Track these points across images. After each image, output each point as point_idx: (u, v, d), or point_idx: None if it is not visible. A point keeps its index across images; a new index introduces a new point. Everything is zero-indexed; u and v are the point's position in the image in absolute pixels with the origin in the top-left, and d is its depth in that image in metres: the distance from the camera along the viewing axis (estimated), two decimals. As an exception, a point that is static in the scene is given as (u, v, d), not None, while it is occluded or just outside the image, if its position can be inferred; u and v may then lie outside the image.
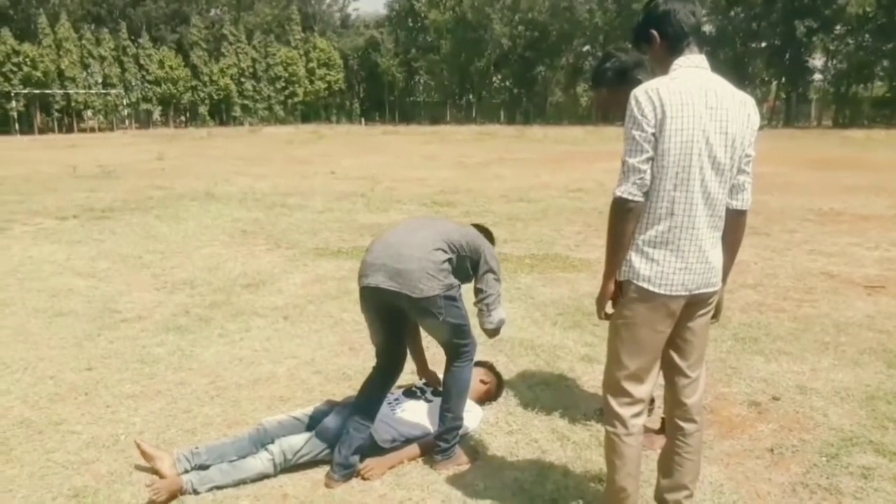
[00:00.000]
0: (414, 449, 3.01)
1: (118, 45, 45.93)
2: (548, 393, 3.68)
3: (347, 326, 4.76)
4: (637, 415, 2.26)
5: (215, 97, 49.75)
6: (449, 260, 2.80)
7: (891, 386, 3.74)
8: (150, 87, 46.75)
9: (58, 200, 11.21)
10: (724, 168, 2.11)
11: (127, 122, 46.79)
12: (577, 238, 8.03)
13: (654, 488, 2.50)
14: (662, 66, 2.19)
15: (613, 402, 2.26)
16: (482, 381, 3.46)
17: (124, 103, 46.02)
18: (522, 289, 5.76)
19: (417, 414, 3.16)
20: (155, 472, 2.77)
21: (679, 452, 2.36)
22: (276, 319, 4.98)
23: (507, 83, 56.46)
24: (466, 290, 2.96)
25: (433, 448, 2.95)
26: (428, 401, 3.23)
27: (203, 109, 49.51)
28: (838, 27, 43.53)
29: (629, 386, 2.24)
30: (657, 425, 3.09)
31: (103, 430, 3.25)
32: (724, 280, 2.29)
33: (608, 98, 3.08)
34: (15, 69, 40.64)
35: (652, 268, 2.12)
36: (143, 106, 47.22)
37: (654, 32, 2.18)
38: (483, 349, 4.03)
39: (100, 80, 44.49)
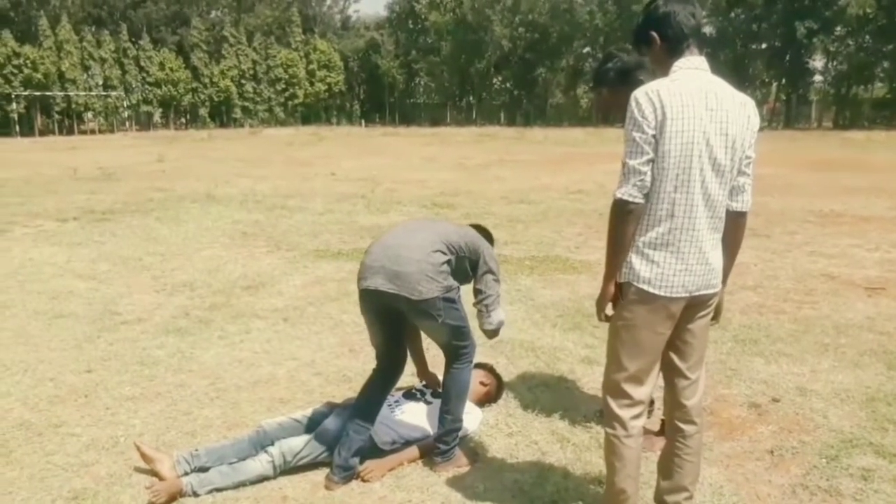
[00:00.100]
0: (414, 451, 3.01)
1: (119, 47, 45.94)
2: (548, 395, 3.68)
3: (347, 328, 4.76)
4: (637, 416, 2.26)
5: (216, 99, 49.75)
6: (448, 261, 2.80)
7: (891, 388, 3.74)
8: (151, 89, 46.75)
9: (58, 202, 11.22)
10: (725, 170, 2.11)
11: (127, 124, 46.78)
12: (577, 240, 8.03)
13: (653, 490, 2.50)
14: (662, 68, 2.20)
15: (613, 404, 2.26)
16: (482, 383, 3.46)
17: (125, 105, 46.02)
18: (523, 290, 5.76)
19: (417, 416, 3.16)
20: (154, 474, 2.77)
21: (679, 454, 2.36)
22: (277, 321, 4.98)
23: (508, 85, 56.46)
24: (466, 292, 2.96)
25: (433, 450, 2.95)
26: (428, 403, 3.23)
27: (203, 111, 49.51)
28: (839, 28, 43.52)
29: (629, 388, 2.24)
30: (657, 427, 3.09)
31: (103, 433, 3.25)
32: (724, 282, 2.29)
33: (609, 99, 3.06)
34: (15, 71, 40.64)
35: (652, 269, 2.12)
36: (144, 108, 47.20)
37: (654, 34, 2.18)
38: (483, 351, 4.03)
39: (100, 82, 44.48)
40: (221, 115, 50.77)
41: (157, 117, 48.85)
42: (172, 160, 19.88)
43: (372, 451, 2.95)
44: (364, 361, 3.96)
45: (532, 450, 3.10)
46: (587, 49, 53.42)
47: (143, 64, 46.59)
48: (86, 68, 44.25)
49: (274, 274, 6.41)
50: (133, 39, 46.64)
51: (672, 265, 2.12)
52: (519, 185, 13.46)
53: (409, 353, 3.15)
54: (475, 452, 3.06)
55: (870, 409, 3.47)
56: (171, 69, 47.17)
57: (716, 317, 2.36)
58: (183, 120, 50.77)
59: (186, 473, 2.77)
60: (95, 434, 3.23)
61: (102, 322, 4.96)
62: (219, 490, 2.73)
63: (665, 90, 2.06)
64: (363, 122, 54.43)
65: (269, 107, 51.93)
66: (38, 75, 41.16)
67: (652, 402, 3.15)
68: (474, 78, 54.76)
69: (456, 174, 15.74)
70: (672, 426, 2.38)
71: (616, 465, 2.28)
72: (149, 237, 8.24)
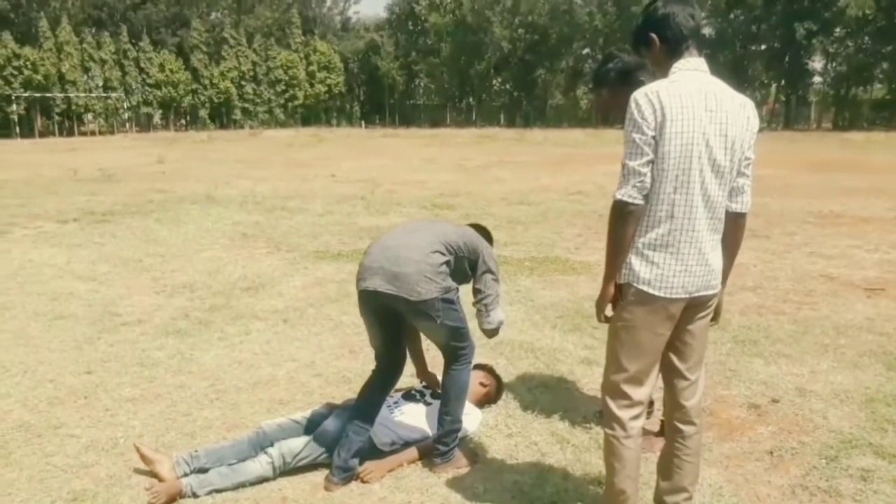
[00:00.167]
0: (413, 452, 3.01)
1: (119, 49, 45.97)
2: (547, 396, 3.68)
3: (347, 329, 4.76)
4: (636, 417, 2.26)
5: (216, 100, 49.78)
6: (447, 262, 2.80)
7: (890, 388, 3.74)
8: (151, 91, 46.78)
9: (58, 204, 11.22)
10: (724, 171, 2.12)
11: (127, 125, 46.80)
12: (577, 241, 8.03)
13: (653, 491, 2.50)
14: (662, 70, 2.20)
15: (612, 405, 2.26)
16: (482, 384, 3.46)
17: (125, 107, 46.05)
18: (522, 291, 5.76)
19: (417, 417, 3.16)
20: (154, 475, 2.77)
21: (678, 455, 2.36)
22: (276, 322, 4.98)
23: (507, 86, 56.49)
24: (465, 293, 2.96)
25: (432, 451, 2.95)
26: (427, 404, 3.23)
27: (203, 113, 49.54)
28: (838, 30, 43.57)
29: (628, 388, 2.24)
30: (656, 428, 3.09)
31: (102, 434, 3.25)
32: (723, 283, 2.29)
33: (609, 99, 3.05)
34: (16, 73, 40.64)
35: (652, 270, 2.13)
36: (144, 109, 47.23)
37: (654, 36, 2.18)
38: (483, 352, 4.04)
39: (100, 84, 44.50)
40: (221, 116, 50.80)
41: (157, 119, 48.87)
42: (172, 161, 19.89)
43: (371, 452, 2.95)
44: (363, 362, 3.96)
45: (532, 451, 3.10)
46: (587, 50, 53.48)
47: (143, 65, 46.62)
48: (86, 70, 44.28)
49: (274, 275, 6.41)
50: (133, 41, 46.67)
51: (672, 266, 2.12)
52: (519, 186, 13.46)
53: (408, 354, 3.15)
54: (475, 453, 3.06)
55: (869, 410, 3.47)
56: (171, 71, 47.20)
57: (715, 318, 2.36)
58: (183, 121, 50.80)
59: (186, 474, 2.77)
60: (95, 435, 3.23)
61: (102, 323, 4.96)
62: (218, 491, 2.73)
63: (665, 91, 2.06)
64: (363, 123, 54.47)
65: (269, 108, 51.96)
66: (39, 77, 41.17)
67: (651, 403, 3.15)
68: (474, 79, 54.79)
69: (456, 175, 15.75)
70: (671, 427, 2.38)
71: (615, 466, 2.28)
72: (149, 238, 8.24)
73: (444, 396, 2.95)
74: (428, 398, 3.27)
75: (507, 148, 25.95)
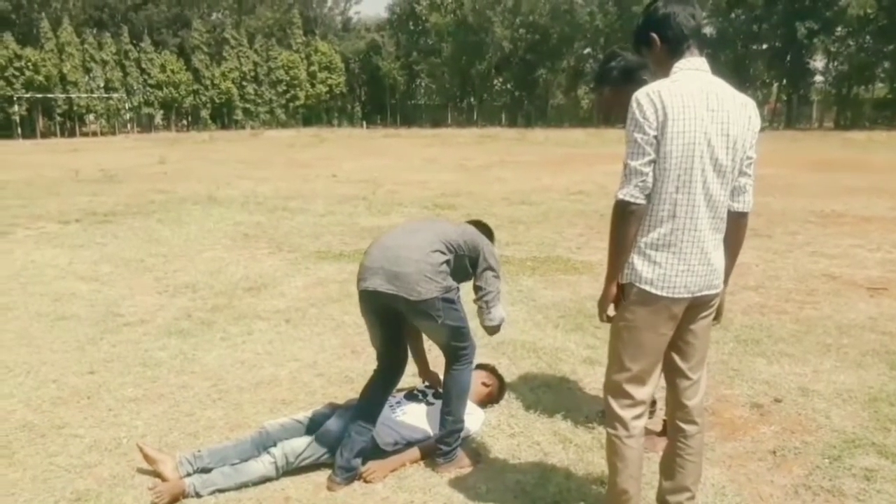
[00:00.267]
0: (416, 452, 3.01)
1: (120, 50, 46.05)
2: (550, 395, 3.68)
3: (349, 329, 4.76)
4: (638, 417, 2.26)
5: (217, 101, 49.86)
6: (447, 261, 2.80)
7: (893, 388, 3.74)
8: (152, 91, 46.87)
9: (60, 204, 11.23)
10: (726, 170, 2.12)
11: (129, 126, 46.90)
12: (578, 240, 8.03)
13: (655, 490, 2.50)
14: (663, 69, 2.20)
15: (615, 405, 2.26)
16: (484, 384, 3.46)
17: (126, 107, 46.13)
18: (524, 291, 5.76)
19: (419, 417, 3.16)
20: (157, 475, 2.77)
21: (681, 454, 2.36)
22: (278, 322, 4.98)
23: (509, 86, 56.52)
24: (466, 294, 2.96)
25: (435, 451, 2.95)
26: (429, 404, 3.23)
27: (205, 113, 49.62)
28: (839, 29, 43.53)
29: (631, 388, 2.24)
30: (659, 427, 3.08)
31: (106, 434, 3.25)
32: (725, 282, 2.29)
33: (611, 98, 3.04)
34: (17, 73, 40.75)
35: (654, 270, 2.13)
36: (145, 110, 47.33)
37: (655, 36, 2.18)
38: (485, 352, 4.04)
39: (102, 85, 44.59)
40: (223, 116, 50.88)
41: (158, 119, 48.96)
42: (174, 162, 19.92)
43: (374, 452, 2.95)
44: (366, 362, 3.96)
45: (534, 450, 3.10)
46: (588, 50, 53.52)
47: (144, 66, 46.71)
48: (87, 70, 44.36)
49: (276, 275, 6.42)
50: (134, 41, 46.75)
51: (674, 266, 2.12)
52: (520, 186, 13.46)
53: (410, 354, 3.15)
54: (477, 453, 3.06)
55: (872, 410, 3.47)
56: (173, 71, 47.29)
57: (717, 317, 2.36)
58: (184, 122, 50.91)
59: (189, 474, 2.77)
60: (98, 435, 3.24)
61: (105, 324, 4.96)
62: (221, 491, 2.74)
63: (666, 91, 2.06)
64: (364, 123, 54.51)
65: (270, 108, 52.02)
66: (40, 77, 41.26)
67: (654, 403, 3.15)
68: (475, 79, 54.82)
69: (457, 175, 15.75)
70: (674, 426, 2.38)
71: (618, 466, 2.28)
72: (151, 239, 8.25)
73: (446, 396, 2.95)
74: (430, 398, 3.27)
75: (508, 148, 25.95)
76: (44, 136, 41.78)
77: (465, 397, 2.99)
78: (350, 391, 3.62)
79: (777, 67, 47.04)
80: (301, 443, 2.88)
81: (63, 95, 42.62)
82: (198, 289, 5.92)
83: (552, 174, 15.69)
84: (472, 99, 57.53)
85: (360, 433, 2.84)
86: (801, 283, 5.99)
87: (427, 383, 3.38)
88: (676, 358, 2.30)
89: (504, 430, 3.29)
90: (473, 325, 2.96)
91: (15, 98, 40.49)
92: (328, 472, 2.84)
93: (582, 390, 3.79)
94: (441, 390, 3.10)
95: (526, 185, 13.64)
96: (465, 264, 2.92)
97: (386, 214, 10.08)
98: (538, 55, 51.61)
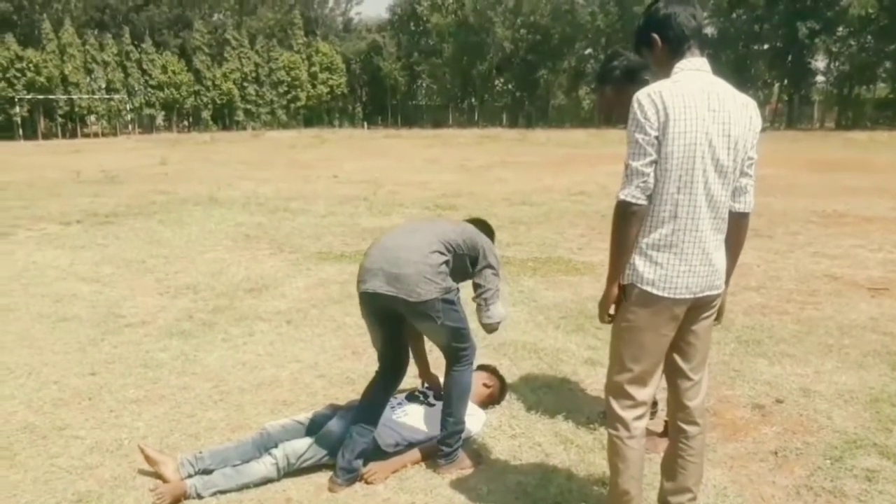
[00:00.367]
0: (417, 453, 3.01)
1: (121, 51, 46.11)
2: (551, 396, 3.67)
3: (350, 330, 4.76)
4: (639, 418, 2.26)
5: (218, 102, 49.90)
6: (446, 262, 2.79)
7: (895, 388, 3.73)
8: (154, 92, 46.92)
9: (61, 206, 11.24)
10: (727, 170, 2.11)
11: (130, 127, 46.94)
12: (579, 241, 8.02)
13: (657, 491, 2.50)
14: (664, 70, 2.20)
15: (616, 405, 2.26)
16: (485, 385, 3.46)
17: (127, 108, 46.18)
18: (525, 292, 5.76)
19: (420, 418, 3.16)
20: (159, 476, 2.77)
21: (682, 455, 2.36)
22: (280, 324, 4.98)
23: (510, 86, 56.54)
24: (465, 295, 2.96)
25: (436, 452, 2.95)
26: (430, 405, 3.23)
27: (206, 114, 49.67)
28: (840, 29, 43.51)
29: (632, 389, 2.24)
30: (660, 428, 3.08)
31: (107, 435, 3.25)
32: (726, 282, 2.29)
33: (613, 98, 3.03)
34: (19, 75, 40.81)
35: (656, 271, 2.12)
36: (147, 111, 47.39)
37: (656, 36, 2.18)
38: (486, 353, 4.04)
39: (103, 86, 44.65)
40: (224, 117, 50.93)
41: (159, 120, 49.03)
42: (175, 163, 19.93)
43: (375, 453, 2.95)
44: (367, 363, 3.96)
45: (535, 451, 3.10)
46: (589, 50, 53.52)
47: (145, 67, 46.77)
48: (89, 71, 44.42)
49: (277, 276, 6.42)
50: (136, 42, 46.82)
51: (675, 266, 2.12)
52: (521, 186, 13.46)
53: (411, 355, 3.15)
54: (479, 454, 3.06)
55: (874, 410, 3.47)
56: (174, 72, 47.34)
57: (718, 318, 2.35)
58: (185, 123, 50.96)
59: (190, 476, 2.77)
60: (99, 437, 3.24)
61: (106, 325, 4.97)
62: (223, 492, 2.74)
63: (667, 91, 2.06)
64: (365, 124, 54.53)
65: (271, 109, 52.06)
66: (41, 79, 41.32)
67: (655, 404, 3.15)
68: (476, 80, 54.84)
69: (458, 176, 15.75)
70: (675, 427, 2.38)
71: (619, 467, 2.27)
72: (152, 240, 8.25)
73: (447, 397, 2.95)
74: (431, 399, 3.27)
75: (509, 148, 25.95)
76: (45, 137, 41.83)
77: (466, 398, 2.99)
78: (351, 392, 3.62)
79: (778, 67, 47.02)
80: (302, 444, 2.88)
81: (64, 96, 42.67)
82: (199, 290, 5.93)
83: (553, 175, 15.68)
84: (473, 99, 57.55)
85: (362, 434, 2.84)
86: (803, 284, 5.98)
87: (427, 384, 3.38)
88: (678, 359, 2.29)
89: (505, 431, 3.29)
90: (474, 325, 2.95)
91: (16, 99, 40.54)
92: (329, 473, 2.84)
93: (583, 391, 3.78)
94: (442, 392, 3.10)
95: (527, 185, 13.63)
96: (465, 263, 2.92)
97: (387, 215, 10.08)
98: (539, 55, 51.60)
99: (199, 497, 2.71)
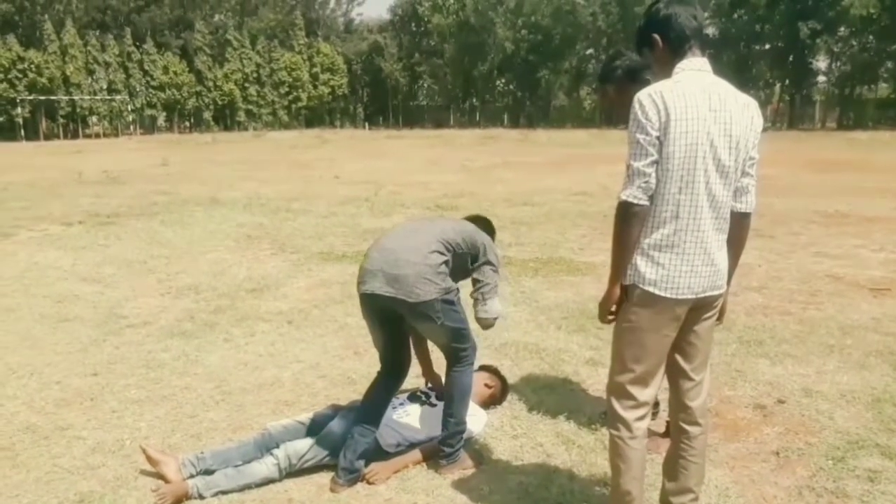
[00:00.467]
0: (418, 453, 3.01)
1: (123, 52, 46.17)
2: (552, 397, 3.67)
3: (352, 331, 4.76)
4: (641, 418, 2.26)
5: (219, 102, 49.95)
6: (446, 262, 2.79)
7: (897, 388, 3.73)
8: (155, 93, 46.97)
9: (63, 206, 11.26)
10: (729, 171, 2.11)
11: (132, 127, 46.98)
12: (581, 241, 8.02)
13: (659, 492, 2.50)
14: (665, 70, 2.20)
15: (618, 406, 2.26)
16: (487, 385, 3.46)
17: (129, 109, 46.23)
18: (527, 292, 5.76)
19: (422, 418, 3.15)
20: (160, 477, 2.78)
21: (684, 456, 2.35)
22: (281, 324, 4.99)
23: (511, 87, 56.54)
24: (465, 296, 2.96)
25: (438, 452, 2.95)
26: (432, 405, 3.22)
27: (207, 115, 49.72)
28: (842, 29, 43.48)
29: (633, 389, 2.23)
30: (662, 429, 3.08)
31: (109, 436, 3.26)
32: (728, 283, 2.29)
33: (615, 97, 3.04)
34: (20, 75, 40.85)
35: (658, 271, 2.12)
36: (148, 112, 47.44)
37: (657, 36, 2.18)
38: (488, 353, 4.04)
39: (105, 87, 44.71)
40: (225, 118, 50.99)
41: (161, 121, 49.09)
42: (176, 164, 19.95)
43: (377, 453, 2.95)
44: (368, 364, 3.96)
45: (537, 452, 3.10)
46: (590, 51, 53.52)
47: (147, 68, 46.81)
48: (90, 72, 44.47)
49: (278, 277, 6.42)
50: (137, 43, 46.88)
51: (677, 267, 2.12)
52: (522, 186, 13.46)
53: (414, 355, 3.15)
54: (480, 455, 3.06)
55: (876, 411, 3.46)
56: (175, 73, 47.38)
57: (720, 318, 2.35)
58: (187, 123, 51.01)
59: (192, 476, 2.77)
60: (101, 437, 3.24)
61: (108, 325, 4.97)
62: (224, 493, 2.74)
63: (668, 92, 2.06)
64: (366, 124, 54.56)
65: (272, 110, 52.10)
66: (43, 80, 41.37)
67: (657, 404, 3.15)
68: (477, 80, 54.84)
69: (459, 176, 15.76)
70: (677, 427, 2.38)
71: (621, 467, 2.27)
72: (153, 240, 8.26)
73: (448, 398, 2.95)
74: (433, 399, 3.26)
75: (510, 149, 25.94)
76: (47, 138, 41.86)
77: (467, 399, 2.99)
78: (353, 393, 3.62)
79: (780, 68, 46.99)
80: (304, 444, 2.88)
81: (66, 97, 42.72)
82: (201, 290, 5.93)
83: (555, 175, 15.68)
84: (474, 100, 57.55)
85: (363, 435, 2.84)
86: (805, 284, 5.98)
87: (429, 385, 3.38)
88: (679, 359, 2.29)
89: (507, 432, 3.29)
90: (474, 326, 2.95)
91: (18, 100, 40.59)
92: (331, 473, 2.84)
93: (585, 392, 3.78)
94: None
95: (528, 185, 13.63)
96: (466, 262, 2.92)
97: (388, 215, 10.08)
98: (540, 56, 51.58)
99: (201, 497, 2.71)
